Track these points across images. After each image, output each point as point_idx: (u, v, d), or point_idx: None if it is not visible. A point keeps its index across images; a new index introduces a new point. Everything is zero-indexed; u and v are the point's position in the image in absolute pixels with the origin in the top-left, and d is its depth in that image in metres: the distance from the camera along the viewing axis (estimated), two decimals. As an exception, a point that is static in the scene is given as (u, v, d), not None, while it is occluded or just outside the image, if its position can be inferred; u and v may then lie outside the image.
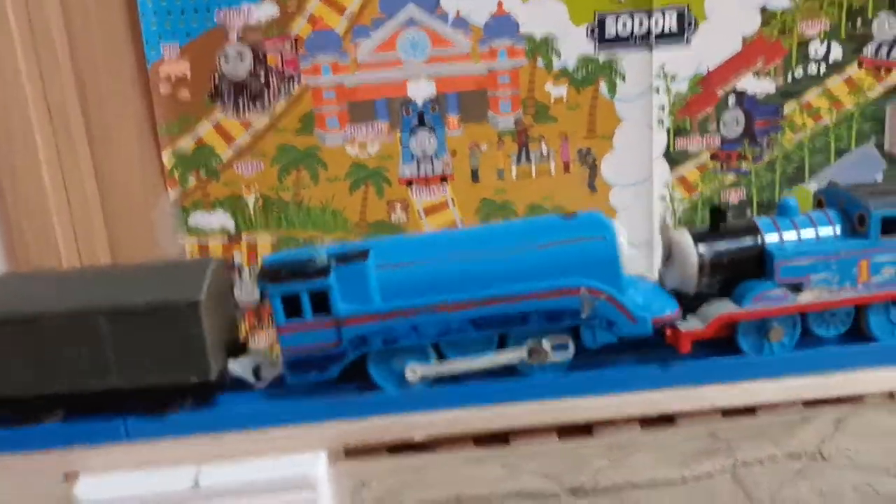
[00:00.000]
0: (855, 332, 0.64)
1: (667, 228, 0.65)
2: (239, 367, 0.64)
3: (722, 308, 0.63)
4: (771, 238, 0.64)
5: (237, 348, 0.66)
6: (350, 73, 1.14)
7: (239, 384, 0.65)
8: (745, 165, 1.23)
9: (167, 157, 1.16)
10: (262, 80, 1.13)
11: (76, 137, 1.10)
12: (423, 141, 1.18)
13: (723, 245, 0.64)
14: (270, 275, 0.61)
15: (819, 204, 0.67)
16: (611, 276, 0.62)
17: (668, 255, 0.65)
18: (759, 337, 0.63)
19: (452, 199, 1.21)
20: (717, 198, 1.24)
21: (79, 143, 1.11)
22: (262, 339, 1.20)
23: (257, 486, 0.61)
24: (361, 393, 0.65)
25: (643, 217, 1.24)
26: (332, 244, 0.63)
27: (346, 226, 1.20)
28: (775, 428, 0.75)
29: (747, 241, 0.64)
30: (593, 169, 1.22)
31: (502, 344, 0.63)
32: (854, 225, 0.64)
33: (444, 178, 1.20)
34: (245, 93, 1.14)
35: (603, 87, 1.18)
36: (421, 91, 1.16)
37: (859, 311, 0.64)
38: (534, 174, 1.21)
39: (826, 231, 0.64)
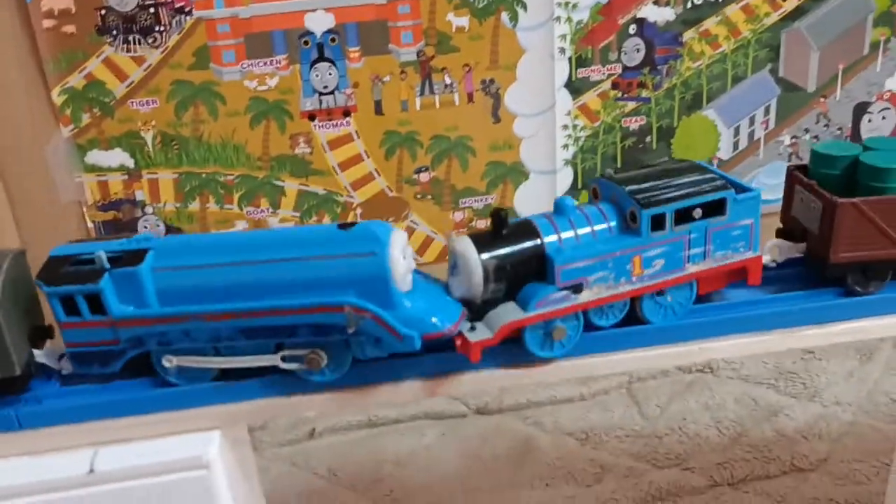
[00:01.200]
0: (631, 317, 0.69)
1: (451, 239, 0.67)
2: (44, 356, 0.65)
3: (508, 315, 0.64)
4: (550, 239, 0.65)
5: (43, 334, 0.67)
6: (244, 5, 1.10)
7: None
8: (645, 93, 1.25)
9: (56, 94, 1.11)
10: (153, 13, 1.09)
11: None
12: (324, 74, 1.16)
13: (505, 250, 0.65)
14: (47, 276, 0.61)
15: (595, 193, 0.71)
16: (380, 292, 0.60)
17: (454, 265, 0.65)
18: (545, 335, 0.66)
19: (356, 132, 1.20)
20: (617, 125, 1.26)
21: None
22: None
23: (150, 468, 0.63)
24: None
25: (546, 146, 1.25)
26: (118, 240, 0.63)
27: (249, 161, 1.19)
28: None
29: (528, 244, 0.65)
30: (497, 99, 1.22)
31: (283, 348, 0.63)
32: (627, 221, 0.67)
33: (346, 112, 1.19)
34: (134, 27, 1.09)
35: (505, 16, 1.17)
36: (319, 22, 1.13)
37: (633, 299, 0.69)
38: (437, 105, 1.20)
39: (601, 227, 0.67)
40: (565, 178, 1.28)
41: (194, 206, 1.20)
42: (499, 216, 0.65)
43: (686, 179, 0.67)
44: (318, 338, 0.61)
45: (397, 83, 1.18)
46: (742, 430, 1.15)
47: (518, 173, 1.26)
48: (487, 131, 1.23)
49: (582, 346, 0.67)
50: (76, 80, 1.11)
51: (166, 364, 0.63)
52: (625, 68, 1.23)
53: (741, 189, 0.68)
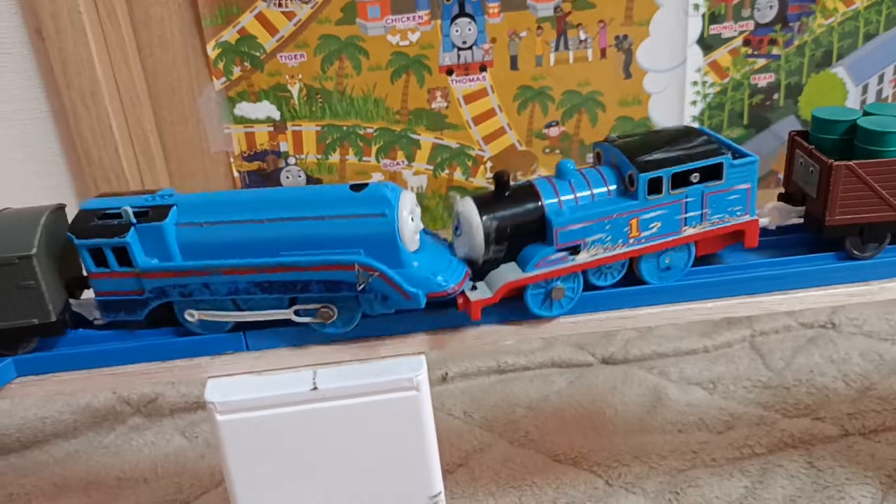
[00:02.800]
0: (630, 277, 0.72)
1: (455, 201, 0.69)
2: (81, 305, 0.70)
3: (508, 275, 0.67)
4: (550, 201, 0.67)
5: (81, 284, 0.71)
6: (392, -38, 1.14)
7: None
8: (775, 50, 1.26)
9: (211, 48, 1.17)
10: (304, -32, 1.13)
11: (124, 30, 1.11)
12: (464, 29, 1.19)
13: (506, 212, 0.67)
14: (78, 229, 0.66)
15: (598, 157, 0.73)
16: (389, 251, 0.64)
17: (458, 226, 0.67)
18: (546, 295, 0.69)
19: (491, 87, 1.23)
20: (746, 82, 1.27)
21: (126, 33, 1.11)
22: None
23: (367, 388, 0.68)
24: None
25: (675, 102, 1.27)
26: (144, 195, 0.67)
27: (387, 114, 1.23)
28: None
29: (529, 206, 0.67)
30: (629, 55, 1.24)
31: (297, 301, 0.68)
32: (625, 184, 0.68)
33: (483, 67, 1.22)
34: (288, -18, 1.14)
35: (642, -28, 1.19)
36: (462, -22, 1.16)
37: (632, 260, 0.71)
38: (571, 61, 1.23)
39: (601, 190, 0.69)
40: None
41: (334, 157, 1.25)
42: (502, 178, 0.67)
43: (684, 144, 0.69)
44: (329, 293, 0.65)
45: (533, 38, 1.21)
46: (870, 384, 1.17)
47: (646, 129, 1.28)
48: (618, 87, 1.26)
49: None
50: (230, 35, 1.16)
51: (188, 318, 0.67)
52: (757, 25, 1.24)
53: (739, 154, 0.69)
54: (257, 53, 1.17)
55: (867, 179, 0.70)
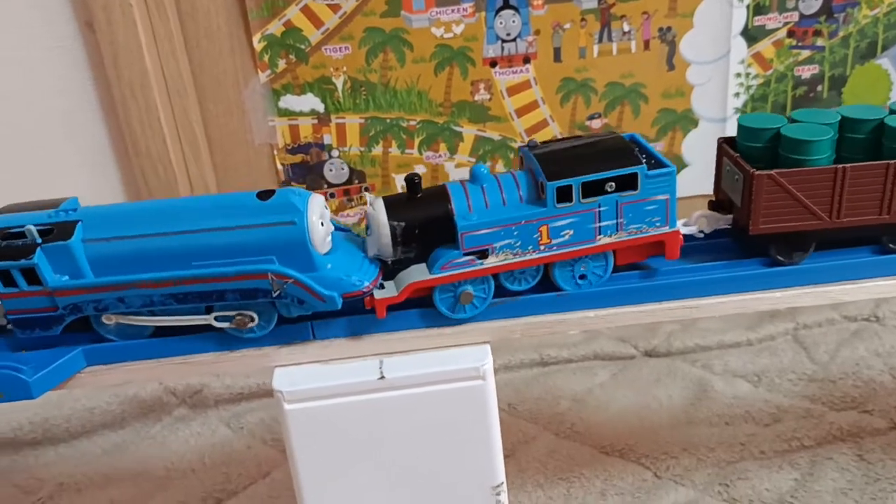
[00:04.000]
0: (546, 283, 0.71)
1: (368, 201, 0.70)
2: None
3: (414, 276, 0.68)
4: (460, 206, 0.68)
5: None
6: (436, -46, 1.14)
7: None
8: (820, 41, 1.25)
9: (257, 41, 1.17)
10: (356, -39, 1.13)
11: (172, 22, 1.12)
12: (508, 21, 1.19)
13: (414, 214, 0.68)
14: None
15: (521, 162, 0.72)
16: (301, 257, 0.65)
17: (368, 226, 0.69)
18: (455, 298, 0.69)
19: (535, 79, 1.23)
20: (789, 74, 1.27)
21: (173, 25, 1.12)
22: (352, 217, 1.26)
23: (433, 377, 0.68)
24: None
25: (718, 94, 1.27)
26: (48, 213, 0.67)
27: (431, 106, 1.23)
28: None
29: (438, 209, 0.68)
30: (672, 46, 1.23)
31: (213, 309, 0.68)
32: (538, 191, 0.68)
33: (527, 59, 1.22)
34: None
35: (687, -36, 1.18)
36: (506, -30, 1.16)
37: (547, 267, 0.70)
38: (615, 52, 1.22)
39: (513, 196, 0.69)
40: (735, 126, 1.29)
41: (377, 150, 1.25)
42: (412, 181, 0.68)
43: (600, 153, 0.68)
44: (245, 301, 0.66)
45: (577, 30, 1.21)
46: (917, 377, 1.16)
47: (688, 121, 1.28)
48: (661, 78, 1.25)
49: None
50: (275, 27, 1.17)
51: (105, 321, 0.68)
52: (801, 16, 1.23)
53: (659, 165, 0.68)
54: (302, 46, 1.18)
55: (789, 188, 0.70)
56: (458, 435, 0.70)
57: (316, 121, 1.23)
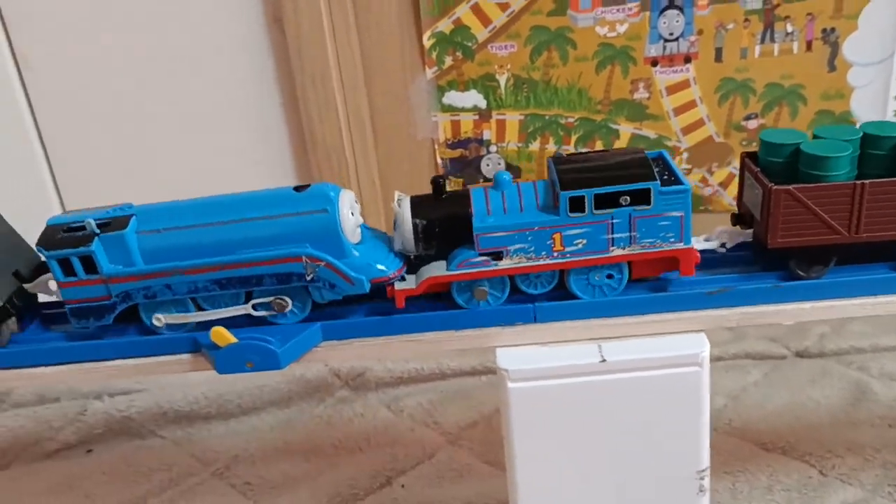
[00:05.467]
0: (562, 287, 0.74)
1: (396, 199, 0.73)
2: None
3: (432, 271, 0.72)
4: (479, 208, 0.71)
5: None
6: (607, -45, 1.17)
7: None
8: None
9: (426, 38, 1.21)
10: (520, -38, 1.17)
11: (350, 15, 1.17)
12: (672, 21, 1.21)
13: (436, 214, 0.72)
14: (46, 242, 0.72)
15: (547, 171, 0.75)
16: (333, 243, 0.70)
17: (395, 221, 0.73)
18: (470, 295, 0.73)
19: (694, 78, 1.25)
20: (955, 76, 1.25)
21: (350, 18, 1.17)
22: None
23: (653, 362, 0.71)
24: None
25: (879, 96, 1.26)
26: (105, 210, 0.74)
27: (590, 104, 1.26)
28: None
29: (458, 211, 0.71)
30: (835, 48, 1.23)
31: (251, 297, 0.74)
32: (555, 200, 0.70)
33: (688, 58, 1.23)
34: (507, -24, 1.17)
35: (855, -35, 1.18)
36: (673, -29, 1.18)
37: (563, 273, 0.73)
38: (776, 53, 1.23)
39: (530, 203, 0.71)
40: None
41: (534, 146, 1.28)
42: (437, 182, 0.72)
43: (617, 167, 0.71)
44: (281, 285, 0.71)
45: (740, 31, 1.22)
46: None
47: (846, 123, 1.28)
48: (821, 80, 1.25)
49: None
50: (445, 25, 1.21)
51: (156, 322, 0.74)
52: (971, 18, 1.22)
53: (676, 183, 0.69)
54: (469, 44, 1.22)
55: (808, 204, 0.71)
56: (670, 419, 0.73)
57: (477, 117, 1.26)
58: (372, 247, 0.74)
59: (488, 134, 1.28)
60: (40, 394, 1.31)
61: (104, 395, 1.28)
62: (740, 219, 0.80)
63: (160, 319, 0.74)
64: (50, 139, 1.22)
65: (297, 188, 0.72)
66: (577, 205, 0.69)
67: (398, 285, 0.72)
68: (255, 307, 0.73)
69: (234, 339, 0.70)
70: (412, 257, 0.74)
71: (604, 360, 0.70)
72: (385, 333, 0.73)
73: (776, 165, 0.74)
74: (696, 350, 0.70)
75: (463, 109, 1.26)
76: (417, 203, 0.72)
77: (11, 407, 1.30)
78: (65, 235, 0.73)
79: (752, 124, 1.28)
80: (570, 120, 1.27)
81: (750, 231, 0.79)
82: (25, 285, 0.78)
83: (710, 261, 0.78)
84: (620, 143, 1.28)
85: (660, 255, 0.71)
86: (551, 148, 1.28)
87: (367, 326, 0.73)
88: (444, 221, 0.72)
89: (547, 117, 1.26)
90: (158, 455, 1.19)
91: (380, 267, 0.71)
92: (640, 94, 1.25)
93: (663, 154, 0.75)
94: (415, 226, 0.71)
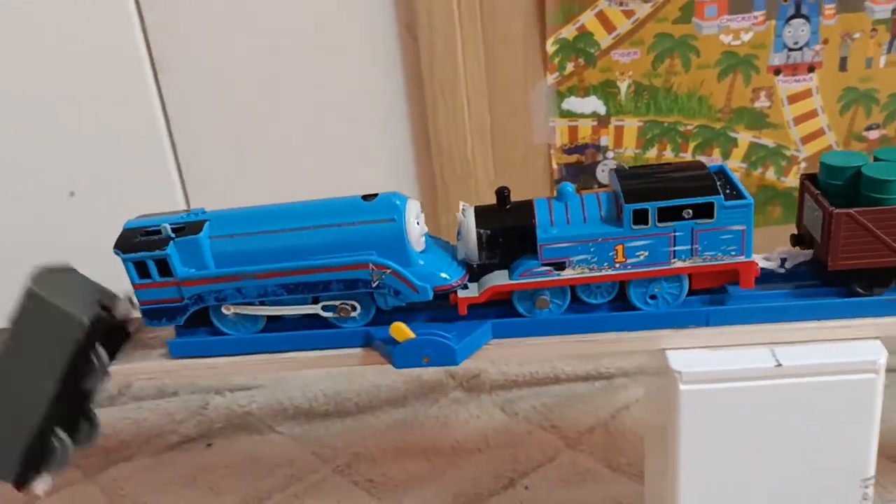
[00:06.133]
0: (621, 299, 0.74)
1: (460, 209, 0.75)
2: None
3: (495, 280, 0.73)
4: (542, 219, 0.72)
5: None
6: (738, -37, 1.17)
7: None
8: None
9: (550, 44, 1.22)
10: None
11: (479, 24, 1.19)
12: (797, 30, 1.20)
13: (500, 224, 0.73)
14: (123, 245, 0.74)
15: (609, 183, 0.75)
16: (398, 251, 0.72)
17: (459, 231, 0.74)
18: (532, 303, 0.74)
19: (817, 88, 1.24)
20: None
21: (478, 27, 1.19)
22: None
23: (829, 367, 0.71)
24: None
25: None
26: (180, 215, 0.76)
27: (709, 112, 1.26)
28: None
29: (522, 221, 0.72)
30: (962, 58, 1.22)
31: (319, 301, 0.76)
32: (618, 211, 0.71)
33: (811, 68, 1.23)
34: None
35: None
36: (807, -20, 1.18)
37: (623, 283, 0.74)
38: (902, 63, 1.22)
39: (594, 215, 0.72)
40: None
41: (651, 152, 1.29)
42: (502, 194, 0.74)
43: (681, 181, 0.71)
44: (347, 291, 0.73)
45: (866, 40, 1.21)
46: None
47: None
48: (944, 91, 1.24)
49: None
50: (568, 32, 1.22)
51: (225, 312, 0.75)
52: None
53: (739, 197, 0.70)
54: (592, 50, 1.22)
55: (869, 226, 0.71)
56: (841, 425, 0.73)
57: (595, 122, 1.27)
58: (435, 255, 0.75)
59: (606, 140, 1.28)
60: (159, 388, 1.34)
61: (224, 391, 1.31)
62: (800, 240, 0.81)
63: (229, 309, 0.76)
64: (180, 139, 1.26)
65: (365, 197, 0.74)
66: (640, 217, 0.70)
67: (461, 293, 0.74)
68: (323, 308, 0.75)
69: (412, 335, 0.71)
70: (475, 266, 0.75)
71: (779, 365, 0.71)
72: (555, 333, 0.74)
73: (836, 188, 0.75)
74: (873, 357, 0.70)
75: (582, 115, 1.27)
76: (481, 213, 0.74)
77: (131, 400, 1.34)
78: (141, 239, 0.75)
79: (874, 134, 1.27)
80: (689, 127, 1.27)
81: (809, 252, 0.79)
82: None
83: (766, 276, 0.78)
84: (738, 152, 1.28)
85: (720, 268, 0.72)
86: (668, 155, 1.28)
87: (537, 326, 0.74)
88: (507, 231, 0.73)
89: (666, 124, 1.27)
90: (279, 451, 1.21)
91: (443, 275, 0.73)
92: (761, 103, 1.25)
93: (724, 168, 0.76)
94: (479, 235, 0.73)
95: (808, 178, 0.79)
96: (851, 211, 0.71)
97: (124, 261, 0.74)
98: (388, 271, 0.72)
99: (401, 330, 0.71)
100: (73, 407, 0.81)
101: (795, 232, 0.81)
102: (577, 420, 1.21)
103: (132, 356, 0.80)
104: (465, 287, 0.75)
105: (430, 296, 0.73)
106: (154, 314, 0.77)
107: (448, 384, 1.29)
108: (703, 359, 0.72)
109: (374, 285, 0.72)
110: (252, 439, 1.24)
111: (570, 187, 0.74)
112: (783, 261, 0.80)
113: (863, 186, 0.73)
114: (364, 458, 1.18)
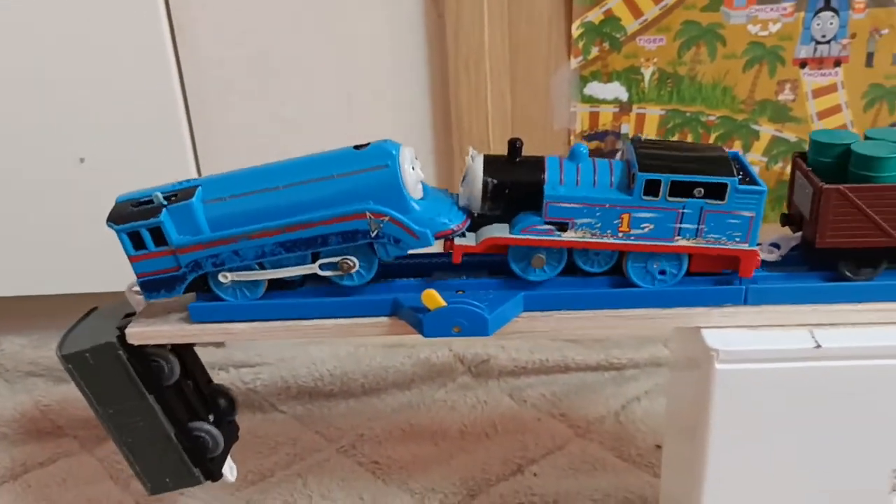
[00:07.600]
0: (618, 271, 0.73)
1: (470, 154, 0.73)
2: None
3: (494, 231, 0.71)
4: (552, 176, 0.70)
5: None
6: (769, -49, 1.15)
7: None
8: None
9: (575, 28, 1.20)
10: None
11: (505, 4, 1.17)
12: (825, 23, 1.19)
13: (508, 176, 0.70)
14: (115, 217, 0.72)
15: (623, 153, 0.73)
16: (395, 198, 0.70)
17: (465, 176, 0.72)
18: (527, 261, 0.72)
19: (842, 83, 1.23)
20: None
21: (504, 5, 1.17)
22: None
23: (869, 351, 0.69)
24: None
25: None
26: (172, 185, 0.75)
27: (733, 103, 1.24)
28: None
29: (531, 175, 0.70)
30: None
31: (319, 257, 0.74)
32: (629, 180, 0.69)
33: (838, 62, 1.21)
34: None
35: None
36: (833, -29, 1.16)
37: (621, 256, 0.72)
38: (929, 60, 1.21)
39: (604, 180, 0.70)
40: None
41: (672, 142, 1.27)
42: (514, 145, 0.71)
43: (697, 159, 0.69)
44: (347, 244, 0.71)
45: (894, 36, 1.20)
46: None
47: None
48: (971, 89, 1.23)
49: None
50: (595, 15, 1.20)
51: (222, 280, 0.74)
52: None
53: (752, 184, 0.68)
54: (618, 35, 1.21)
55: (859, 204, 0.69)
56: (876, 411, 0.71)
57: (617, 109, 1.25)
58: (434, 201, 0.73)
59: (626, 127, 1.26)
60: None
61: (229, 367, 1.28)
62: (789, 219, 0.79)
63: (226, 277, 0.74)
64: (196, 112, 1.23)
65: (357, 147, 0.72)
66: (652, 188, 0.68)
67: (458, 241, 0.72)
68: (321, 267, 0.73)
69: (443, 303, 0.69)
70: (475, 214, 0.73)
71: (818, 346, 0.69)
72: (588, 307, 0.72)
73: (825, 165, 0.73)
74: (916, 344, 0.69)
75: (604, 101, 1.25)
76: (491, 162, 0.71)
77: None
78: (133, 209, 0.73)
79: (896, 133, 1.25)
80: (712, 118, 1.25)
81: (799, 234, 0.77)
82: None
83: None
84: (759, 144, 1.26)
85: (722, 251, 0.70)
86: (689, 145, 1.27)
87: (568, 299, 0.72)
88: (514, 184, 0.71)
89: (688, 114, 1.25)
90: (282, 429, 1.19)
91: (443, 220, 0.71)
92: (785, 96, 1.23)
93: (738, 155, 0.75)
94: (485, 184, 0.71)
95: (800, 156, 0.77)
96: (841, 187, 0.70)
97: (118, 232, 0.72)
98: (387, 219, 0.70)
99: (433, 297, 0.69)
100: (186, 398, 0.84)
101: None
102: (586, 409, 1.19)
103: (151, 320, 0.78)
104: (463, 235, 0.73)
105: (432, 241, 0.70)
106: (152, 286, 0.75)
107: (457, 368, 1.26)
108: (740, 338, 0.71)
109: (372, 235, 0.70)
110: (255, 417, 1.22)
111: (583, 148, 0.72)
112: (777, 247, 0.78)
113: (852, 164, 0.72)
114: (369, 439, 1.15)
